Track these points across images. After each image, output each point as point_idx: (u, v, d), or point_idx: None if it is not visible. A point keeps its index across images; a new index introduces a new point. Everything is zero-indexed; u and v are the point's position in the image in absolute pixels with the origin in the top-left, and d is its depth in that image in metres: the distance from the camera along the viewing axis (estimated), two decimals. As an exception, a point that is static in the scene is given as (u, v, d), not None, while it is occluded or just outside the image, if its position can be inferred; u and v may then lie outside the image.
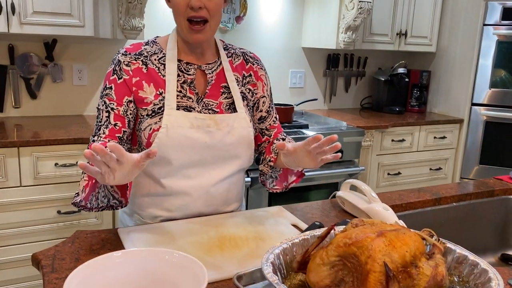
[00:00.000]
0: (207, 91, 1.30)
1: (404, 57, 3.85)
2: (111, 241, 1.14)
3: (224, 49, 1.37)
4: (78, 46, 2.74)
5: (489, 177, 1.89)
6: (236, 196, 1.39)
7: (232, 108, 1.31)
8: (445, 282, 0.82)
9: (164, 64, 1.27)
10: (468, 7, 3.42)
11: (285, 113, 2.89)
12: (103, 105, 1.23)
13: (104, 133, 1.21)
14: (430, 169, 3.46)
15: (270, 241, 1.15)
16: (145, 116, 1.24)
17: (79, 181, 1.16)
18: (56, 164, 2.20)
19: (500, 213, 1.71)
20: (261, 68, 1.41)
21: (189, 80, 1.28)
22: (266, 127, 1.43)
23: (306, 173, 2.73)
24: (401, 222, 1.20)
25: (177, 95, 1.26)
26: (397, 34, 3.42)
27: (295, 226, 1.27)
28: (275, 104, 2.96)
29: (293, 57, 3.47)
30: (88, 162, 0.94)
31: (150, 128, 1.23)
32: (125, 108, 1.23)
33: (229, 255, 1.07)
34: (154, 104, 1.24)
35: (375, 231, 0.85)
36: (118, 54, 1.27)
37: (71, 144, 2.23)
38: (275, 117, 1.46)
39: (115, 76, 1.24)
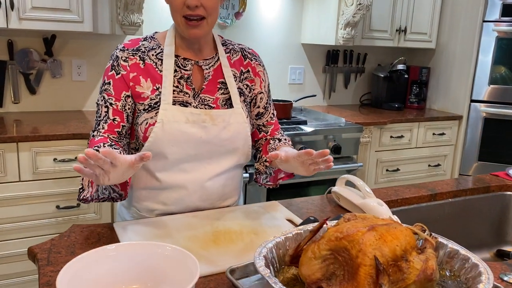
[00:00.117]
0: (203, 86, 1.31)
1: (403, 54, 3.85)
2: (107, 235, 1.15)
3: (223, 44, 1.38)
4: (77, 42, 2.74)
5: (488, 173, 1.89)
6: (233, 191, 1.40)
7: (228, 103, 1.32)
8: (435, 276, 0.83)
9: (162, 60, 1.28)
10: (468, 4, 3.41)
11: (284, 109, 2.90)
12: (102, 100, 1.25)
13: (103, 128, 1.23)
14: (429, 165, 3.46)
15: (265, 236, 1.16)
16: (142, 110, 1.26)
17: (78, 176, 1.18)
18: (55, 159, 2.21)
19: (496, 209, 1.72)
20: (259, 64, 1.42)
21: (186, 76, 1.29)
22: (263, 123, 1.44)
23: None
24: (395, 218, 1.20)
25: (174, 90, 1.27)
26: (396, 30, 3.42)
27: (290, 221, 1.28)
28: (274, 100, 2.98)
29: (293, 53, 3.47)
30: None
31: (147, 123, 1.24)
32: (123, 103, 1.25)
33: (223, 249, 1.08)
34: (151, 99, 1.25)
35: (366, 225, 0.85)
36: (116, 49, 1.29)
37: (70, 140, 2.23)
38: (273, 114, 1.46)
39: (113, 71, 1.26)
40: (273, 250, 0.95)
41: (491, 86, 3.40)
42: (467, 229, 1.68)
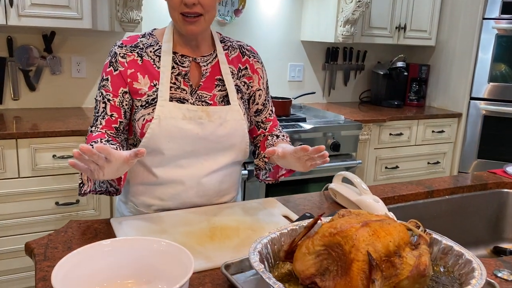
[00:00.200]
0: (201, 83, 1.31)
1: (403, 51, 3.84)
2: (103, 231, 1.15)
3: (221, 41, 1.38)
4: (76, 39, 2.75)
5: (486, 171, 1.90)
6: (230, 188, 1.41)
7: (225, 100, 1.33)
8: (428, 272, 0.83)
9: (160, 56, 1.29)
10: (468, 1, 3.41)
11: (283, 106, 2.90)
12: (100, 96, 1.27)
13: (101, 123, 1.25)
14: (428, 163, 3.46)
15: (261, 232, 1.16)
16: (139, 107, 1.26)
17: (77, 173, 1.19)
18: (54, 156, 2.22)
19: (493, 206, 1.72)
20: (258, 61, 1.42)
21: (183, 72, 1.30)
22: (262, 120, 1.44)
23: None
24: (391, 214, 1.21)
25: (171, 87, 1.27)
26: (396, 27, 3.41)
27: (286, 217, 1.28)
28: (273, 97, 2.98)
29: (292, 50, 3.47)
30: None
31: (144, 119, 1.25)
32: (120, 99, 1.26)
33: (219, 245, 1.09)
34: (148, 95, 1.26)
35: (360, 221, 0.86)
36: (114, 46, 1.30)
37: (69, 136, 2.24)
38: (271, 110, 1.47)
39: (111, 68, 1.27)
40: (268, 245, 0.96)
41: (491, 83, 3.40)
42: (464, 226, 1.68)
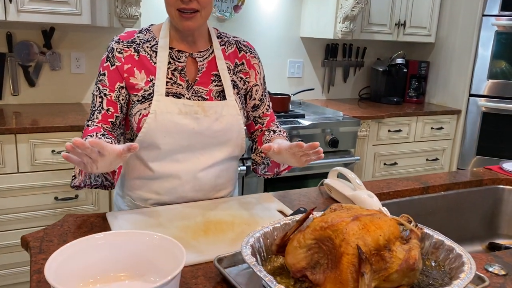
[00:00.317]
0: (197, 78, 1.32)
1: (403, 48, 3.84)
2: (99, 225, 1.16)
3: (218, 37, 1.39)
4: (75, 35, 2.76)
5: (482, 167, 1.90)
6: (227, 183, 1.42)
7: (222, 95, 1.33)
8: (417, 265, 0.84)
9: (156, 52, 1.30)
10: (468, -2, 3.41)
11: (282, 102, 2.91)
12: (97, 91, 1.28)
13: (97, 118, 1.26)
14: (427, 159, 3.47)
15: (255, 226, 1.17)
16: (136, 101, 1.28)
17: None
18: (53, 151, 2.23)
19: (489, 202, 1.73)
20: (254, 57, 1.43)
21: (179, 68, 1.31)
22: (259, 115, 1.45)
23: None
24: (385, 209, 1.22)
25: (167, 82, 1.28)
26: (395, 24, 3.41)
27: (281, 212, 1.29)
28: (273, 94, 2.99)
29: (292, 46, 3.47)
30: None
31: (140, 114, 1.26)
32: (117, 94, 1.27)
33: (213, 239, 1.10)
34: (144, 90, 1.27)
35: (351, 215, 0.87)
36: (112, 41, 1.31)
37: (68, 132, 2.25)
38: (268, 105, 1.47)
39: (108, 63, 1.28)
40: (261, 239, 0.97)
41: (490, 80, 3.39)
42: (459, 222, 1.69)
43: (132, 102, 1.29)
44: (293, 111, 2.97)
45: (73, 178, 1.18)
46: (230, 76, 1.36)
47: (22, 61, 2.64)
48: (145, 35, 1.33)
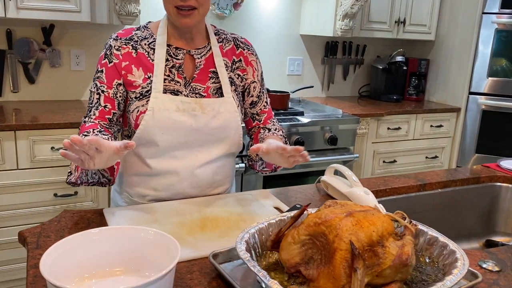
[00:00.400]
0: (195, 75, 1.32)
1: (403, 45, 3.84)
2: (96, 221, 1.17)
3: (215, 34, 1.39)
4: (75, 32, 2.76)
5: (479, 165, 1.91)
6: (224, 179, 1.42)
7: (219, 93, 1.34)
8: (410, 261, 0.85)
9: (154, 49, 1.30)
10: (468, -5, 3.40)
11: (281, 100, 2.91)
12: (94, 88, 1.29)
13: (94, 114, 1.27)
14: (426, 157, 3.47)
15: (251, 223, 1.17)
16: (133, 98, 1.28)
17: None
18: (52, 148, 2.24)
19: (486, 200, 1.73)
20: (252, 54, 1.43)
21: (177, 65, 1.31)
22: (256, 112, 1.46)
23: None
24: (381, 206, 1.22)
25: (165, 79, 1.29)
26: (395, 22, 3.41)
27: (277, 208, 1.30)
28: (272, 91, 2.99)
29: (291, 44, 3.47)
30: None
31: (138, 111, 1.27)
32: (114, 90, 1.28)
33: (209, 235, 1.11)
34: (142, 87, 1.28)
35: (345, 211, 0.87)
36: (110, 39, 1.32)
37: (68, 129, 2.26)
38: (266, 102, 1.48)
39: (106, 60, 1.29)
40: (256, 235, 0.97)
41: (490, 78, 3.39)
42: (456, 220, 1.70)
43: (130, 99, 1.29)
44: (292, 109, 2.97)
45: (69, 174, 1.19)
46: (228, 73, 1.36)
47: (22, 58, 2.65)
48: (142, 32, 1.33)
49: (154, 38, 1.32)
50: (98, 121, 1.26)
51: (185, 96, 1.30)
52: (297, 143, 2.70)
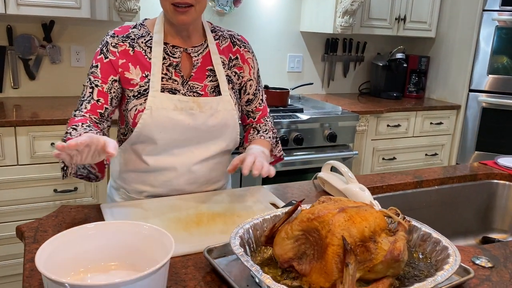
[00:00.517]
0: (192, 74, 1.33)
1: (403, 42, 3.83)
2: (93, 216, 1.18)
3: (212, 31, 1.39)
4: (75, 28, 2.77)
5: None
6: (220, 175, 1.43)
7: (217, 91, 1.34)
8: (402, 257, 0.85)
9: (151, 47, 1.30)
10: (469, -8, 3.40)
11: (281, 97, 2.91)
12: (87, 82, 1.29)
13: (85, 108, 1.26)
14: (426, 154, 3.47)
15: (247, 218, 1.18)
16: (131, 97, 1.29)
17: None
18: (52, 144, 2.25)
19: (483, 197, 1.74)
20: (248, 51, 1.43)
21: (174, 63, 1.31)
22: (252, 109, 1.47)
23: (302, 156, 2.77)
24: (376, 203, 1.23)
25: (163, 78, 1.29)
26: (395, 19, 3.41)
27: (273, 204, 1.30)
28: (272, 88, 3.00)
29: (291, 41, 3.47)
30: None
31: (136, 109, 1.27)
32: (109, 86, 1.28)
33: (205, 230, 1.12)
34: (140, 86, 1.28)
35: (337, 207, 0.88)
36: (106, 36, 1.32)
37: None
38: (261, 99, 1.48)
39: (101, 55, 1.29)
40: (250, 231, 0.98)
41: (490, 76, 3.39)
42: (453, 217, 1.70)
43: (128, 98, 1.29)
44: (292, 106, 2.98)
45: (64, 168, 1.20)
46: (225, 71, 1.37)
47: (22, 54, 2.65)
48: (139, 30, 1.33)
49: (150, 36, 1.31)
50: (89, 115, 1.25)
51: (183, 95, 1.30)
52: (296, 140, 2.71)
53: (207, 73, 1.34)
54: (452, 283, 0.90)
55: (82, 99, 1.28)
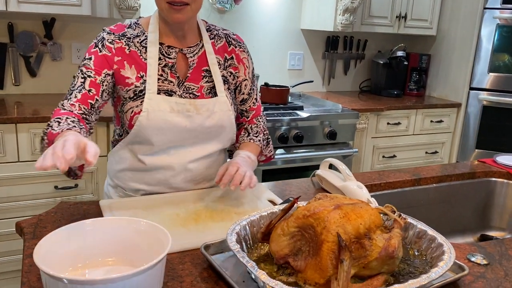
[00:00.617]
0: (188, 74, 1.32)
1: (404, 40, 3.83)
2: (92, 212, 1.19)
3: (207, 30, 1.38)
4: (76, 25, 2.78)
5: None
6: (216, 173, 1.43)
7: (213, 92, 1.34)
8: (396, 254, 0.86)
9: (146, 47, 1.29)
10: (470, -10, 3.39)
11: (281, 94, 2.92)
12: (79, 73, 1.26)
13: (76, 97, 1.22)
14: (426, 152, 3.48)
15: (245, 215, 1.18)
16: (127, 99, 1.28)
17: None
18: (52, 141, 2.26)
19: (481, 195, 1.74)
20: (244, 51, 1.42)
21: (170, 64, 1.30)
22: (246, 108, 1.47)
23: (301, 154, 2.77)
24: (373, 200, 1.24)
25: (158, 79, 1.28)
26: (396, 16, 3.40)
27: (271, 201, 1.31)
28: (272, 86, 3.00)
29: (292, 38, 3.47)
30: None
31: (132, 111, 1.27)
32: (102, 78, 1.25)
33: (203, 227, 1.12)
34: (136, 86, 1.27)
35: (333, 204, 0.89)
36: (103, 32, 1.30)
37: (68, 122, 2.28)
38: (255, 99, 1.48)
39: (96, 49, 1.27)
40: (247, 227, 0.99)
41: (491, 74, 3.39)
42: (451, 214, 1.71)
43: (123, 99, 1.28)
44: (292, 103, 2.98)
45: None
46: (221, 71, 1.36)
47: (24, 51, 2.66)
48: (134, 30, 1.31)
49: (146, 36, 1.29)
50: (79, 104, 1.21)
51: (179, 96, 1.29)
52: (296, 138, 2.71)
53: (202, 74, 1.34)
54: (446, 280, 0.91)
55: (72, 88, 1.24)
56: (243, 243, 0.96)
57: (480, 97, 3.43)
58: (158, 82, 1.28)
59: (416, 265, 0.96)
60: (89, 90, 1.23)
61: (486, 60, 3.38)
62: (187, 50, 1.33)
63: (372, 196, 1.29)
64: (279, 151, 2.72)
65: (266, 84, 2.97)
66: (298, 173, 2.82)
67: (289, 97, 3.03)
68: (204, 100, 1.31)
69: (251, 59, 1.45)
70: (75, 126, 1.11)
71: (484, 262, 1.03)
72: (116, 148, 1.36)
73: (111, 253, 0.89)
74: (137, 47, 1.29)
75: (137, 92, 1.27)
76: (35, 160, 2.29)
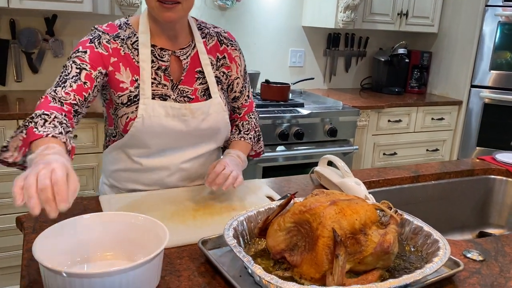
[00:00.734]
0: (182, 77, 1.31)
1: (405, 38, 3.83)
2: (92, 207, 1.20)
3: (198, 28, 1.35)
4: (78, 22, 2.78)
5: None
6: None
7: (207, 94, 1.34)
8: (391, 249, 0.87)
9: (138, 49, 1.25)
10: (471, -12, 3.39)
11: (282, 91, 2.92)
12: (72, 63, 1.19)
13: (71, 86, 1.16)
14: (427, 150, 3.48)
15: (242, 211, 1.20)
16: (120, 104, 1.25)
17: (75, 154, 1.08)
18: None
19: (480, 192, 1.75)
20: (235, 49, 1.41)
21: (163, 67, 1.28)
22: (238, 106, 1.47)
23: (302, 151, 2.78)
24: (371, 196, 1.24)
25: (152, 83, 1.26)
26: (398, 14, 3.40)
27: (269, 197, 1.32)
28: (272, 82, 3.01)
29: (293, 36, 3.48)
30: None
31: (127, 117, 1.25)
32: (96, 74, 1.20)
33: (201, 223, 1.13)
34: (130, 91, 1.25)
35: (329, 200, 0.90)
36: (97, 30, 1.26)
37: (69, 118, 2.29)
38: (247, 96, 1.48)
39: (92, 44, 1.22)
40: (244, 223, 1.00)
41: (492, 71, 3.38)
42: (450, 212, 1.71)
43: (116, 104, 1.26)
44: (293, 100, 2.99)
45: (4, 149, 1.08)
46: (214, 72, 1.35)
47: (25, 48, 2.68)
48: (125, 31, 1.27)
49: (137, 37, 1.26)
50: (74, 94, 1.15)
51: (174, 100, 1.28)
52: (296, 135, 2.72)
53: (196, 76, 1.32)
54: (441, 275, 0.91)
55: (65, 77, 1.16)
56: (240, 238, 0.97)
57: (481, 94, 3.43)
58: (152, 86, 1.25)
59: (411, 260, 0.97)
60: (84, 83, 1.18)
61: (488, 57, 3.37)
62: (180, 52, 1.30)
63: (370, 193, 1.29)
64: (279, 148, 2.73)
65: (267, 81, 2.98)
66: (298, 170, 2.83)
67: (290, 94, 3.03)
68: (199, 104, 1.31)
69: (243, 56, 1.43)
70: (61, 133, 1.02)
71: (480, 258, 1.03)
72: (110, 149, 1.35)
73: (110, 247, 0.90)
74: (130, 49, 1.25)
75: (131, 97, 1.25)
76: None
